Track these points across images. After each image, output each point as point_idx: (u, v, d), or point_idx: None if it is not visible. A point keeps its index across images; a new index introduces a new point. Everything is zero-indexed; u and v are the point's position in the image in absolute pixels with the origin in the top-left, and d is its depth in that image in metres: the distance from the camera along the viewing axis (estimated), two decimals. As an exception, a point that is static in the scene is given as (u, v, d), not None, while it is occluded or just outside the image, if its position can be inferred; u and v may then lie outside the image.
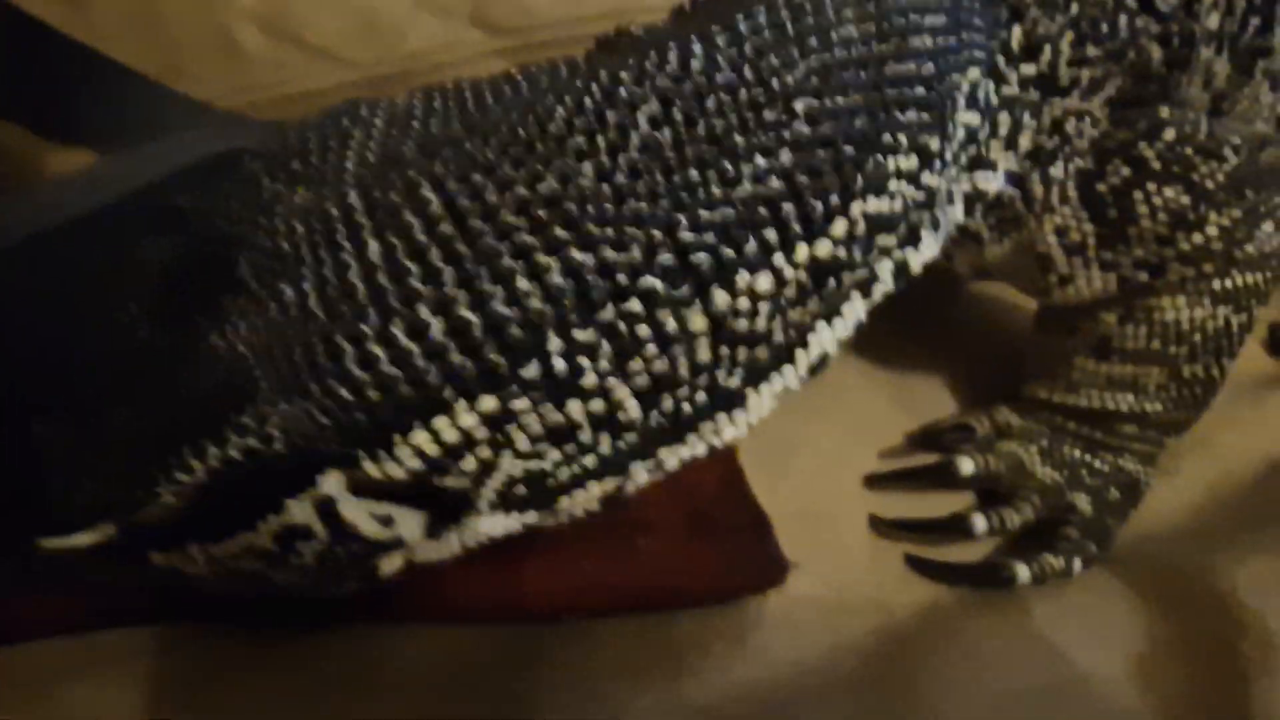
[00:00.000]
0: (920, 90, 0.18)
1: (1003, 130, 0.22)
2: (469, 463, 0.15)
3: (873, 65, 0.17)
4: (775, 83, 0.16)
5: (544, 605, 0.22)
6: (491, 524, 0.17)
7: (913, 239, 0.19)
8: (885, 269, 0.18)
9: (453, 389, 0.15)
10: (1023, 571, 0.27)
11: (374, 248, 0.15)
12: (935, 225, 0.19)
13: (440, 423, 0.15)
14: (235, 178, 0.17)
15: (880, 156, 0.17)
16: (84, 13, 0.43)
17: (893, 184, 0.18)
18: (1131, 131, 0.24)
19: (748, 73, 0.16)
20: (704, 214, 0.15)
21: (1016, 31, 0.22)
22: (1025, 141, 0.23)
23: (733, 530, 0.24)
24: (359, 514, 0.16)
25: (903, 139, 0.18)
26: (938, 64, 0.19)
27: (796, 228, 0.16)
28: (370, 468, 0.15)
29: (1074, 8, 0.22)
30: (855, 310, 0.18)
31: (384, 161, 0.16)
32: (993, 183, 0.21)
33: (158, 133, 0.28)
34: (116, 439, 0.15)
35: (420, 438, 0.15)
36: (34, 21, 0.26)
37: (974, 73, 0.20)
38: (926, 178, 0.19)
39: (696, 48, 0.17)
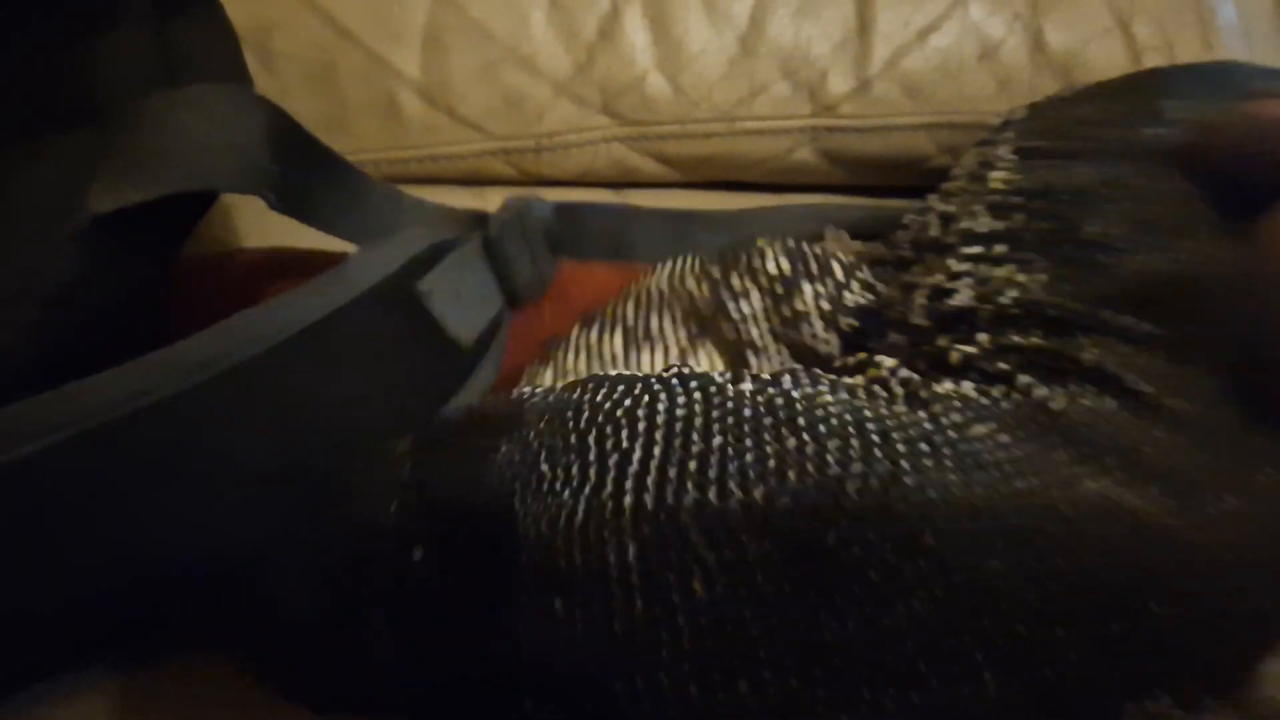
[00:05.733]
0: None
1: None
2: None
3: None
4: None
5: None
6: None
7: None
8: None
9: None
10: None
11: (638, 609, 0.16)
12: None
13: None
14: (524, 464, 0.18)
15: None
16: (269, 68, 0.49)
17: None
18: None
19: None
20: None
21: None
22: None
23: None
24: None
25: None
26: None
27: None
28: None
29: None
30: None
31: (665, 520, 0.16)
32: None
33: (389, 226, 0.33)
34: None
35: None
36: (307, 134, 0.31)
37: None
38: None
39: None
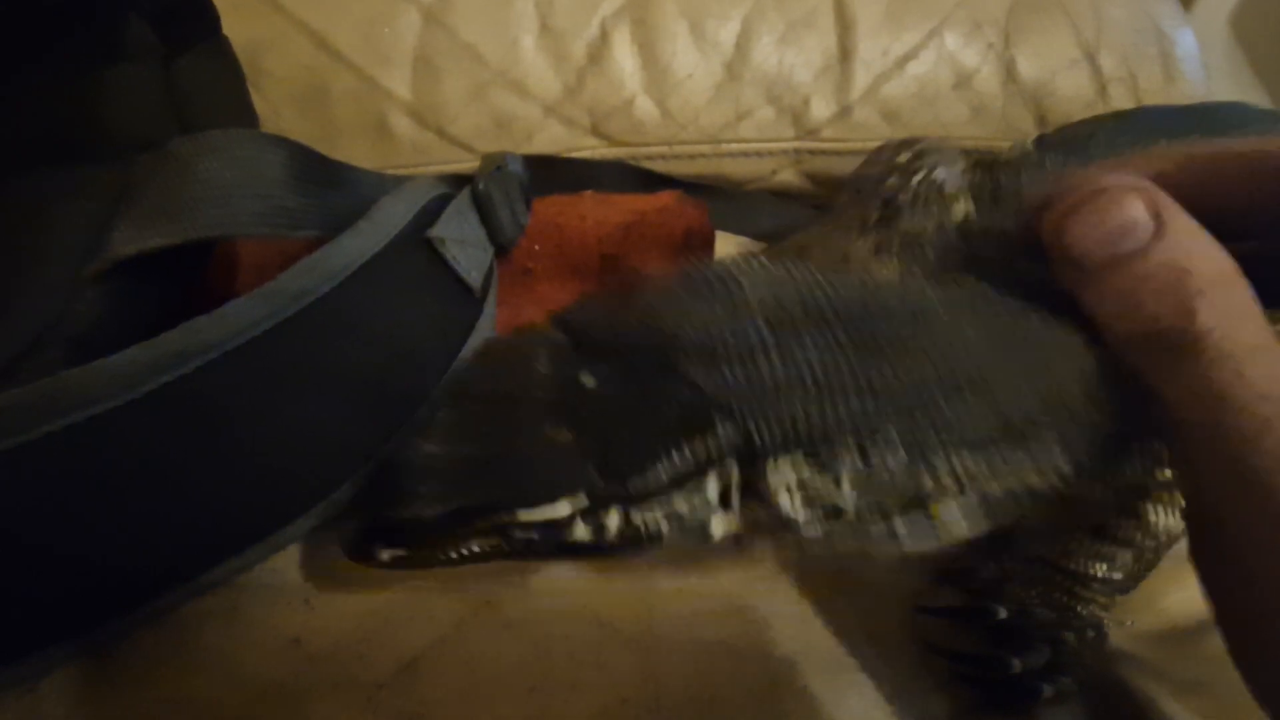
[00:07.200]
0: None
1: None
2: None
3: None
4: None
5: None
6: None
7: None
8: None
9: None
10: (1048, 690, 0.34)
11: (774, 362, 0.25)
12: None
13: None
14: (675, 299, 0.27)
15: None
16: (260, 89, 0.48)
17: None
18: None
19: None
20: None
21: None
22: None
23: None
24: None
25: None
26: None
27: None
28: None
29: None
30: None
31: (783, 311, 0.26)
32: None
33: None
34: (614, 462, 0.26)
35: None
36: (320, 161, 0.32)
37: None
38: None
39: None
